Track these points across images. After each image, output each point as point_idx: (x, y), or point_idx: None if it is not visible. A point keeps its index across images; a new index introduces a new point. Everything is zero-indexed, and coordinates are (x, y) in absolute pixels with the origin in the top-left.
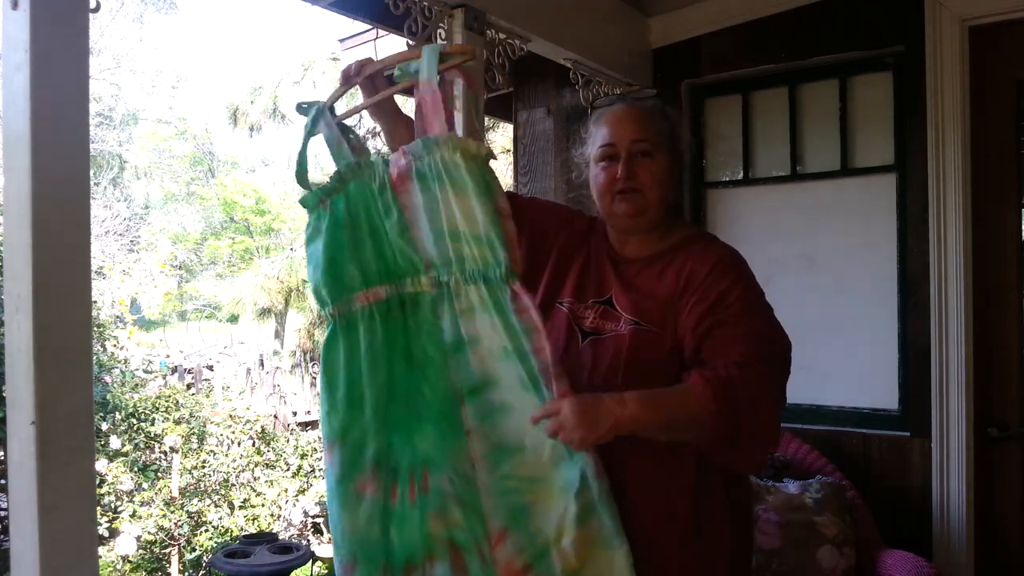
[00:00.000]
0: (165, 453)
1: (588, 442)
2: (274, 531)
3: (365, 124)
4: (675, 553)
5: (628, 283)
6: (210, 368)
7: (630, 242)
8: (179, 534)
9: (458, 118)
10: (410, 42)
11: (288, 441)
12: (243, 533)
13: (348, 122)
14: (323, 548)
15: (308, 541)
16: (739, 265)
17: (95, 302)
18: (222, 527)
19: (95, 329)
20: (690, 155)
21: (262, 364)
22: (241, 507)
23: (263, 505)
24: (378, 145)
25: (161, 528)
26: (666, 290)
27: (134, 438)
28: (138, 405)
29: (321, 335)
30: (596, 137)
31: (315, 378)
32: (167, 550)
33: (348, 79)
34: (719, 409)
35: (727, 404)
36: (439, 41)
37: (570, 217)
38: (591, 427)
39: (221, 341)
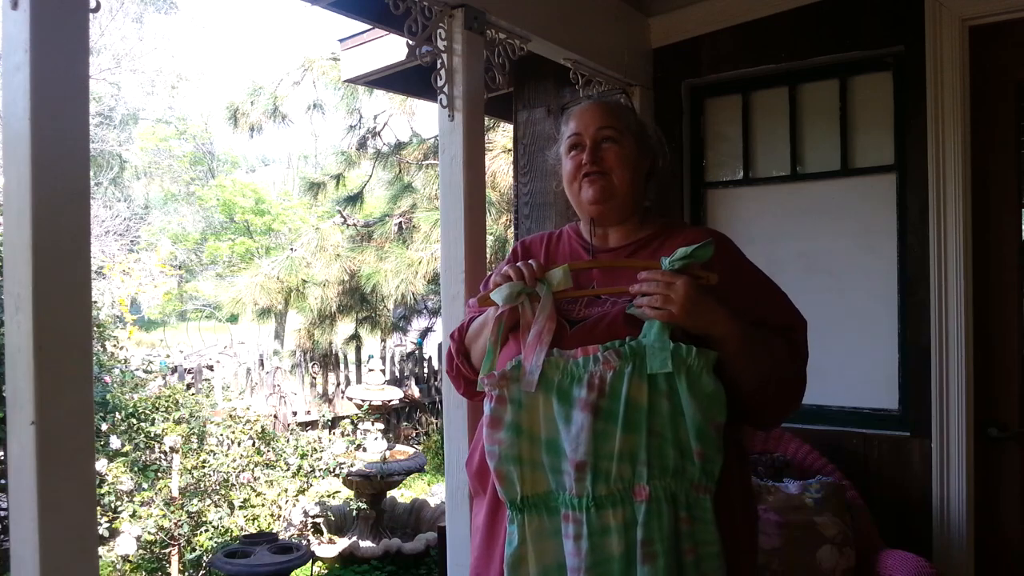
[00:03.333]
0: (165, 453)
1: (674, 319)
2: (274, 531)
3: (365, 124)
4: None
5: (612, 270)
6: (210, 368)
7: (610, 234)
8: (179, 534)
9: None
10: (410, 42)
11: (288, 441)
12: (243, 533)
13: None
14: (323, 548)
15: (308, 541)
16: (734, 244)
17: (95, 302)
18: (222, 527)
19: (95, 329)
20: (666, 160)
21: (262, 364)
22: (241, 507)
23: (263, 505)
24: (378, 145)
25: (161, 528)
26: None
27: (134, 438)
28: (138, 405)
29: (321, 335)
30: (565, 132)
31: (315, 378)
32: (167, 550)
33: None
34: (793, 360)
35: (799, 356)
36: (440, 43)
37: (528, 245)
38: (687, 313)
39: (221, 341)
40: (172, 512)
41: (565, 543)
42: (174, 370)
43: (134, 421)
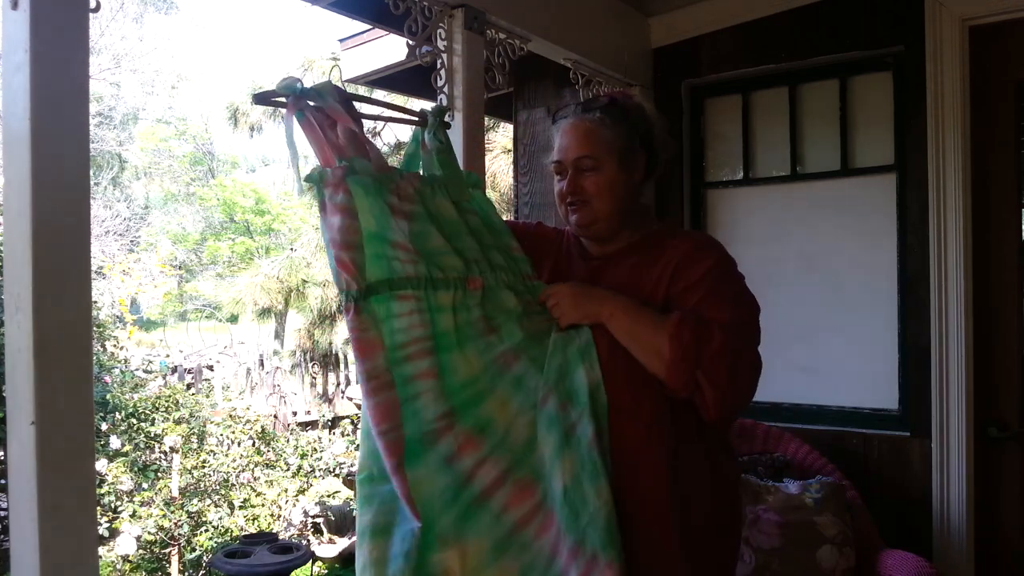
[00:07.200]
0: (165, 453)
1: (570, 320)
2: (274, 531)
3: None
4: (657, 528)
5: (599, 278)
6: (210, 368)
7: (604, 242)
8: (179, 534)
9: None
10: (410, 42)
11: (288, 441)
12: (243, 533)
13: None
14: (323, 548)
15: (308, 541)
16: (718, 246)
17: (95, 302)
18: (222, 527)
19: (95, 329)
20: (668, 150)
21: (262, 364)
22: (241, 507)
23: (263, 505)
24: (378, 145)
25: (161, 528)
26: (650, 283)
27: (134, 438)
28: (138, 405)
29: (321, 335)
30: (553, 150)
31: (315, 378)
32: (167, 550)
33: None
34: (681, 355)
35: (689, 354)
36: (440, 43)
37: (542, 232)
38: (574, 308)
39: (221, 341)
40: (172, 512)
41: (398, 321)
42: (174, 370)
43: (134, 421)
